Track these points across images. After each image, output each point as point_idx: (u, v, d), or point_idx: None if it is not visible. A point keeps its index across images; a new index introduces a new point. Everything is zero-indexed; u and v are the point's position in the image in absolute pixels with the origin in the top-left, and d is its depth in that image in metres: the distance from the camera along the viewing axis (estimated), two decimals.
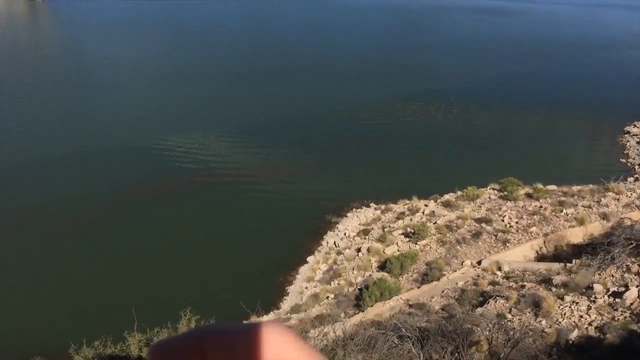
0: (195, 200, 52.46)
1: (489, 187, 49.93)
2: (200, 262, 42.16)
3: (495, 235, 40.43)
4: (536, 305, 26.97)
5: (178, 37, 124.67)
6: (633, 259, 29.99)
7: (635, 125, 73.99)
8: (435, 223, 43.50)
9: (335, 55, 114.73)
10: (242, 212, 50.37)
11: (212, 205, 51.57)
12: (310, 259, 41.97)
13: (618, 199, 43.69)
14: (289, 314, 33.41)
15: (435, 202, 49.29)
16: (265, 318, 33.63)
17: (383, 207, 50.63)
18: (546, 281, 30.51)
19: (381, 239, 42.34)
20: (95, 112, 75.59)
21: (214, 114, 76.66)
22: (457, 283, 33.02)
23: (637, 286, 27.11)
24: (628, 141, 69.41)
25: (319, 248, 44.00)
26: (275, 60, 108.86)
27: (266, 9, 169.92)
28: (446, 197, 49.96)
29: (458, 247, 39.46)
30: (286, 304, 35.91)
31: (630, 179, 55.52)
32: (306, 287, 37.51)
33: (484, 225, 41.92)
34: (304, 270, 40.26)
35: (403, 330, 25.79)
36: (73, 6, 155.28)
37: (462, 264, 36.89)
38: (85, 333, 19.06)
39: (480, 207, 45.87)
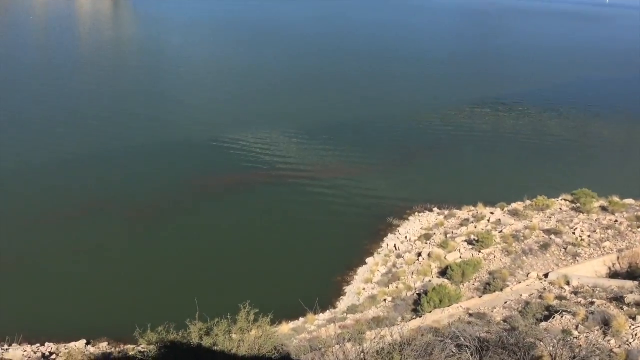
0: (258, 196, 53.30)
1: (560, 198, 47.82)
2: (260, 256, 42.75)
3: (565, 248, 38.61)
4: (605, 323, 25.49)
5: (252, 36, 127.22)
6: None
7: None
8: (500, 232, 42.07)
9: (404, 58, 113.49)
10: (303, 210, 50.70)
11: (274, 202, 52.20)
12: (369, 260, 41.64)
13: None
14: (345, 314, 33.25)
15: (502, 210, 47.69)
16: (321, 316, 33.67)
17: (446, 212, 49.55)
18: (618, 299, 28.79)
19: (443, 245, 41.42)
20: (167, 107, 78.30)
21: (282, 113, 77.61)
22: (521, 295, 31.76)
23: None
24: None
25: (379, 250, 43.61)
26: (344, 61, 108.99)
27: (338, 8, 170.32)
28: (514, 205, 48.24)
29: (524, 258, 37.96)
30: (343, 304, 35.77)
31: None
32: (364, 289, 37.23)
33: (553, 237, 40.14)
34: (362, 272, 40.00)
35: (462, 339, 25.04)
36: (153, 5, 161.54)
37: (527, 276, 35.46)
38: (150, 318, 19.65)
39: (550, 218, 43.98)
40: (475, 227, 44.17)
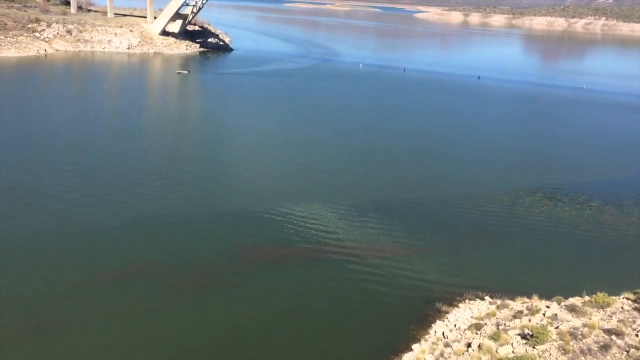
0: (302, 271, 53.00)
1: (622, 296, 45.21)
2: (301, 334, 41.96)
3: (627, 351, 35.98)
4: None
5: (307, 112, 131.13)
6: None
7: None
8: (557, 328, 39.81)
9: (458, 140, 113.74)
10: (347, 288, 49.91)
11: (318, 279, 51.71)
12: (415, 347, 40.04)
13: None
14: None
15: (559, 304, 45.40)
16: None
17: (499, 302, 47.59)
18: None
19: (494, 337, 39.45)
20: (220, 176, 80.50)
21: (332, 188, 78.35)
22: None
23: None
24: None
25: (426, 337, 41.98)
26: (396, 140, 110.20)
27: (392, 90, 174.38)
28: (571, 300, 45.88)
29: (582, 358, 35.54)
30: None
31: None
32: None
33: (614, 337, 37.61)
34: (407, 358, 38.40)
35: None
36: (216, 80, 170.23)
37: None
38: None
39: (610, 317, 41.43)
40: (530, 321, 42.05)
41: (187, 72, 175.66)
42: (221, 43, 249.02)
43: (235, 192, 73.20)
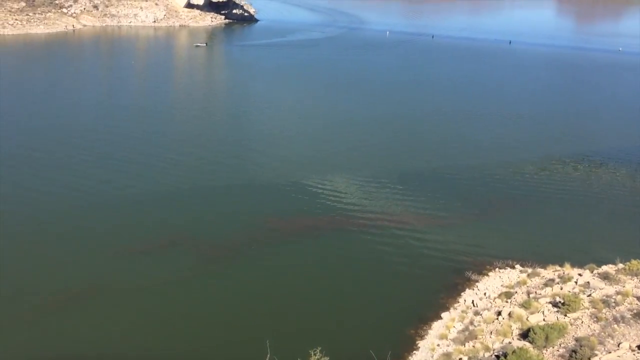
0: (332, 242, 53.22)
1: None
2: (331, 303, 42.40)
3: None
4: None
5: (336, 83, 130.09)
6: None
7: None
8: (589, 295, 39.32)
9: (491, 109, 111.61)
10: (378, 258, 50.00)
11: (350, 248, 51.91)
12: (445, 315, 40.10)
13: None
14: None
15: (591, 272, 44.77)
16: None
17: (530, 270, 47.15)
18: None
19: (525, 305, 39.22)
20: (248, 148, 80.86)
21: (365, 158, 77.99)
22: None
23: None
24: None
25: (455, 305, 41.98)
26: (429, 109, 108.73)
27: (419, 58, 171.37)
28: (604, 268, 45.19)
29: (615, 326, 35.11)
30: (415, 359, 34.49)
31: None
32: (438, 345, 35.72)
33: None
34: (437, 326, 38.52)
35: None
36: (242, 52, 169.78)
37: (618, 346, 32.68)
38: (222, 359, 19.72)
39: None
40: (561, 289, 41.63)
41: (205, 44, 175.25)
42: (246, 14, 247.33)
43: (262, 166, 73.48)
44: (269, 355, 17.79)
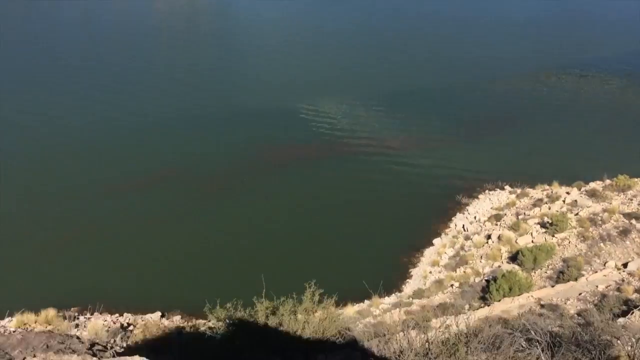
0: (322, 169, 53.28)
1: None
2: (323, 233, 43.00)
3: None
4: None
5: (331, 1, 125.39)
6: None
7: None
8: (576, 214, 40.22)
9: (482, 21, 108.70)
10: (367, 186, 50.26)
11: (338, 177, 51.99)
12: (436, 241, 41.00)
13: None
14: (410, 299, 33.09)
15: (579, 190, 45.51)
16: (386, 300, 33.67)
17: (519, 191, 47.79)
18: None
19: (514, 227, 40.14)
20: (240, 74, 79.07)
21: (356, 82, 76.58)
22: (597, 286, 30.40)
23: None
24: None
25: (447, 230, 42.81)
26: (419, 27, 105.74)
27: None
28: (592, 185, 45.89)
29: (602, 244, 36.18)
30: (408, 288, 35.56)
31: None
32: (430, 272, 36.80)
33: (634, 222, 37.93)
34: (429, 253, 39.48)
35: (532, 333, 24.27)
36: None
37: (604, 265, 33.84)
38: (219, 293, 20.05)
39: (631, 200, 41.55)
40: (549, 209, 42.46)
41: None
42: None
43: (256, 91, 72.01)
44: (264, 290, 18.14)
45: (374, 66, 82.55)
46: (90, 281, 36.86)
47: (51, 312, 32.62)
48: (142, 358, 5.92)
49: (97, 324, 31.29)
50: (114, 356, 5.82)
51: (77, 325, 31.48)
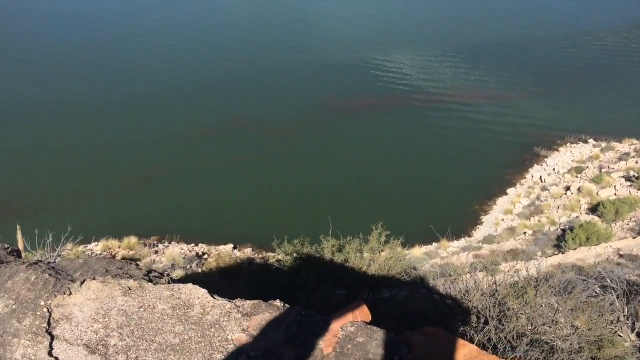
0: (395, 119, 52.54)
1: None
2: (395, 180, 42.65)
3: None
4: None
5: None
6: None
7: None
8: None
9: None
10: (445, 133, 49.20)
11: (412, 127, 51.20)
12: (510, 191, 39.77)
13: None
14: (480, 243, 32.50)
15: None
16: (455, 244, 33.27)
17: (604, 144, 45.25)
18: None
19: (596, 180, 38.19)
20: (306, 26, 78.63)
21: (427, 33, 74.43)
22: None
23: None
24: None
25: (522, 181, 41.36)
26: None
27: None
28: None
29: None
30: (479, 233, 34.88)
31: None
32: (503, 220, 35.86)
33: None
34: (502, 202, 38.40)
35: (608, 280, 23.31)
36: None
37: None
38: (288, 230, 20.59)
39: None
40: (637, 163, 40.05)
41: None
42: None
43: (320, 46, 71.61)
44: (331, 230, 18.38)
45: (449, 21, 79.51)
46: (169, 215, 38.75)
47: (133, 239, 34.78)
48: (195, 286, 6.11)
49: (174, 252, 33.06)
50: (169, 283, 6.13)
51: (156, 252, 33.37)
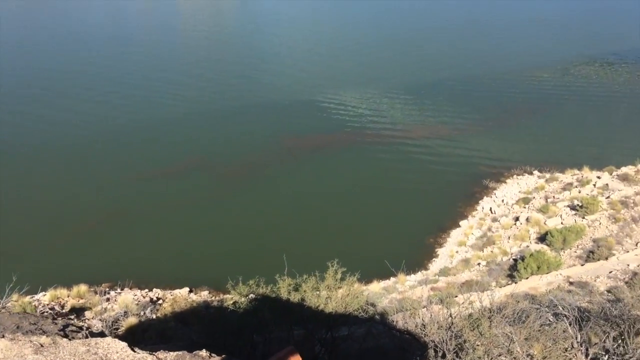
0: (349, 155, 53.33)
1: None
2: (350, 216, 42.98)
3: None
4: None
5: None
6: None
7: None
8: (607, 197, 39.40)
9: (506, 15, 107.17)
10: (396, 169, 50.17)
11: (366, 162, 52.03)
12: (463, 223, 40.66)
13: None
14: (436, 276, 32.91)
15: (610, 174, 44.59)
16: (412, 277, 33.57)
17: (548, 175, 47.07)
18: None
19: (543, 210, 39.54)
20: (257, 67, 79.58)
21: (375, 72, 76.53)
22: (628, 265, 29.77)
23: None
24: None
25: (474, 213, 42.42)
26: (439, 19, 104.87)
27: None
28: (624, 169, 44.95)
29: (633, 225, 35.40)
30: (435, 266, 35.37)
31: None
32: (457, 251, 36.53)
33: None
34: (455, 234, 39.19)
35: (560, 308, 23.93)
36: None
37: (636, 245, 33.10)
38: (243, 271, 20.35)
39: None
40: (580, 192, 41.71)
41: None
42: None
43: (272, 85, 72.57)
44: (286, 269, 18.33)
45: (395, 60, 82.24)
46: (121, 260, 37.65)
47: (83, 287, 33.42)
48: (114, 339, 5.98)
49: (127, 298, 31.94)
50: (86, 337, 5.96)
51: (107, 299, 32.20)
